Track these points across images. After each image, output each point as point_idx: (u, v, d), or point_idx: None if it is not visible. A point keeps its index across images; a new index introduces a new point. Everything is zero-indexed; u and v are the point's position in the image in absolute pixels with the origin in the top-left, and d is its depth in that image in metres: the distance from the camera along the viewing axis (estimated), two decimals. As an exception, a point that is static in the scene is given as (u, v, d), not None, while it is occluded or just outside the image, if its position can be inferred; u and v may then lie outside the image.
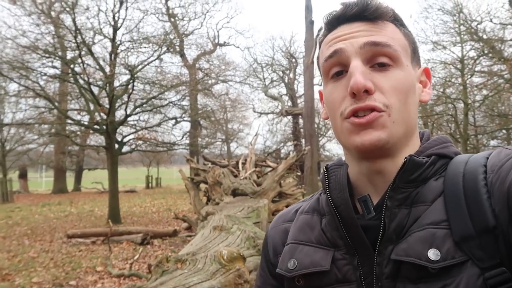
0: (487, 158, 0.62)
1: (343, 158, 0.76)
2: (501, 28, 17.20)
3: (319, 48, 0.74)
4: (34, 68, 11.18)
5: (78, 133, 13.44)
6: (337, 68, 0.67)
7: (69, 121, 11.95)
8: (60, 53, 11.45)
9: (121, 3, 10.29)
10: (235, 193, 7.85)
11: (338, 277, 0.65)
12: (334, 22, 0.69)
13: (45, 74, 10.61)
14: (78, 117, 14.53)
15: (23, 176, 21.93)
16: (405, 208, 0.62)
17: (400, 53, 0.66)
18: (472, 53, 17.33)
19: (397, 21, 0.69)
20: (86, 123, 11.57)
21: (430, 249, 0.56)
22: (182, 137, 16.59)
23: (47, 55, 11.06)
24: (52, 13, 14.09)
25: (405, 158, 0.62)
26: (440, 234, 0.57)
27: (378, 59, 0.64)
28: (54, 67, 12.92)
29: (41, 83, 11.73)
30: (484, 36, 16.35)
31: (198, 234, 5.47)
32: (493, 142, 18.68)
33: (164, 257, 4.05)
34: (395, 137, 0.64)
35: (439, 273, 0.55)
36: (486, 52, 16.18)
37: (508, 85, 15.43)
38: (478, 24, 17.19)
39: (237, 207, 6.74)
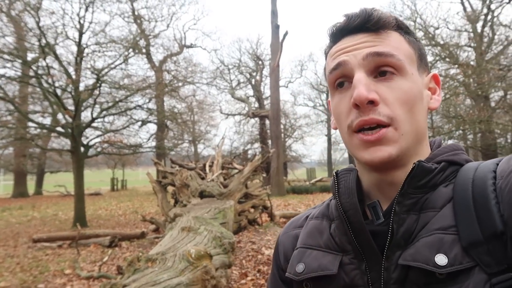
0: (497, 164, 0.62)
1: (353, 165, 0.77)
2: (457, 34, 18.41)
3: (325, 59, 0.75)
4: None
5: (42, 136, 13.19)
6: (341, 79, 0.68)
7: (32, 124, 11.76)
8: (21, 55, 11.27)
9: (87, 8, 10.28)
10: (202, 195, 8.07)
11: (346, 282, 0.65)
12: (338, 34, 0.70)
13: (8, 77, 10.41)
14: (40, 119, 14.29)
15: (-20, 180, 21.14)
16: (413, 214, 0.62)
17: (404, 62, 0.65)
18: (430, 58, 18.36)
19: (401, 29, 0.69)
20: (48, 125, 11.42)
21: (438, 254, 0.56)
22: (149, 139, 16.59)
23: (8, 58, 10.87)
24: (12, 12, 13.78)
25: (414, 163, 0.62)
26: (448, 240, 0.57)
27: (381, 68, 0.65)
28: (15, 68, 12.68)
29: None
30: (441, 42, 17.40)
31: (167, 235, 5.69)
32: (450, 141, 19.83)
33: (136, 257, 4.32)
34: (404, 149, 0.64)
35: (446, 278, 0.55)
36: (443, 56, 17.22)
37: (462, 88, 16.48)
38: (435, 29, 18.29)
39: (204, 208, 6.98)
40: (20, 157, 18.05)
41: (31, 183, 23.95)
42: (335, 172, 0.73)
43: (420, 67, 0.69)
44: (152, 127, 18.72)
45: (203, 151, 26.41)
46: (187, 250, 4.37)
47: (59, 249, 8.35)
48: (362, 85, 0.62)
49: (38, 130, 12.92)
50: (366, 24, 0.66)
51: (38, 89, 14.40)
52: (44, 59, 9.41)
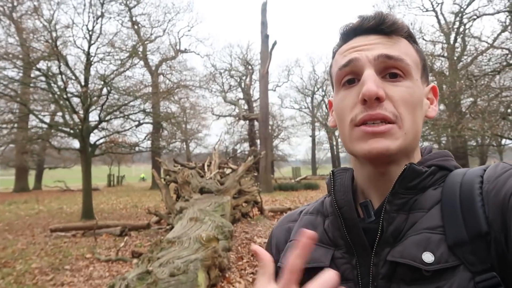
0: (485, 170, 0.65)
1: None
2: (432, 44, 19.79)
3: (333, 57, 0.76)
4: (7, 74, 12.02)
5: (51, 136, 14.21)
6: (350, 76, 0.69)
7: (43, 125, 12.81)
8: (33, 61, 12.25)
9: (96, 21, 11.38)
10: (202, 191, 9.22)
11: None
12: (351, 33, 0.72)
13: (23, 83, 11.43)
14: (43, 118, 15.26)
15: (-19, 175, 21.89)
16: (403, 213, 0.64)
17: (412, 67, 0.67)
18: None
19: (410, 37, 0.71)
20: (60, 127, 12.45)
21: (425, 252, 0.58)
22: (144, 139, 17.67)
23: (23, 65, 11.94)
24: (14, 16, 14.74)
25: (405, 165, 0.64)
26: (435, 239, 0.59)
27: (390, 70, 0.66)
28: (16, 70, 13.70)
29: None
30: (417, 51, 18.73)
31: (178, 224, 6.89)
32: (425, 143, 21.30)
33: (158, 239, 5.64)
34: (403, 148, 0.65)
35: (432, 275, 0.57)
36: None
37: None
38: (412, 40, 19.60)
39: (206, 202, 8.15)
40: (22, 154, 18.91)
41: (30, 178, 24.76)
42: (332, 171, 0.76)
43: (422, 76, 0.72)
44: (148, 127, 19.78)
45: (195, 149, 27.70)
46: (199, 234, 5.66)
47: (74, 238, 9.39)
48: (372, 81, 0.64)
49: (43, 129, 13.91)
50: (380, 25, 0.68)
51: (39, 90, 15.41)
52: (59, 67, 10.46)
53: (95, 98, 11.26)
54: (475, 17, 17.67)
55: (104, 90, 11.85)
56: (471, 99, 16.99)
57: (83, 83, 11.60)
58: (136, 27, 18.86)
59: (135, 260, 7.37)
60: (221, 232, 6.65)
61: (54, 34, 10.62)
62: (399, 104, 0.65)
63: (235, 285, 5.80)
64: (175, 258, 4.83)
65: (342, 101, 0.69)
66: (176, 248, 5.30)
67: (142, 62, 19.65)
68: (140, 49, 17.13)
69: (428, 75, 0.76)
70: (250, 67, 27.92)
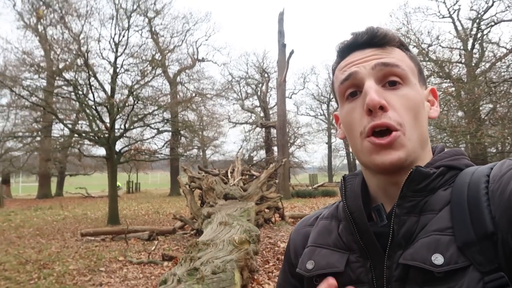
0: (491, 169, 0.65)
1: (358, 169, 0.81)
2: (449, 51, 19.74)
3: (333, 74, 0.79)
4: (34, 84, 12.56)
5: (81, 143, 14.72)
6: (352, 89, 0.72)
7: (68, 133, 13.29)
8: (61, 73, 12.78)
9: (122, 34, 11.87)
10: (226, 197, 9.50)
11: (352, 278, 0.69)
12: (346, 50, 0.75)
13: (57, 94, 11.95)
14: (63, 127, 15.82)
15: (5, 182, 22.51)
16: (414, 216, 0.65)
17: (408, 72, 0.71)
18: (425, 72, 19.62)
19: (402, 46, 0.75)
20: (90, 135, 12.93)
21: (434, 254, 0.59)
22: (163, 146, 18.11)
23: (47, 75, 12.46)
24: (39, 27, 15.34)
25: (412, 168, 0.66)
26: (445, 240, 0.60)
27: (388, 78, 0.69)
28: (48, 82, 14.31)
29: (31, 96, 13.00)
30: (434, 58, 18.68)
31: (208, 228, 7.20)
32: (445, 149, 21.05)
33: (194, 242, 5.95)
34: (412, 154, 0.67)
35: (444, 277, 0.58)
36: (436, 71, 18.49)
37: (455, 103, 17.71)
38: (429, 46, 19.63)
39: (231, 208, 8.43)
40: (46, 161, 19.51)
41: (51, 185, 25.38)
42: (343, 177, 0.79)
43: (420, 80, 0.75)
44: (166, 135, 20.27)
45: (211, 156, 28.07)
46: (232, 237, 5.98)
47: (104, 242, 9.75)
48: (374, 91, 0.67)
49: (70, 137, 14.41)
50: (373, 39, 0.72)
51: (60, 100, 15.99)
52: (88, 78, 10.94)
53: (123, 107, 11.71)
54: (492, 23, 17.53)
55: (130, 100, 12.29)
56: (490, 105, 16.86)
57: (109, 93, 12.07)
58: (155, 37, 19.44)
59: (165, 263, 7.71)
60: (249, 236, 6.92)
61: (84, 48, 11.11)
62: (402, 112, 0.67)
63: (264, 286, 6.07)
64: (214, 258, 5.15)
65: (349, 115, 0.72)
66: (212, 249, 5.61)
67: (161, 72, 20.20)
68: (158, 57, 17.64)
69: (425, 79, 0.79)
70: (266, 75, 28.25)
